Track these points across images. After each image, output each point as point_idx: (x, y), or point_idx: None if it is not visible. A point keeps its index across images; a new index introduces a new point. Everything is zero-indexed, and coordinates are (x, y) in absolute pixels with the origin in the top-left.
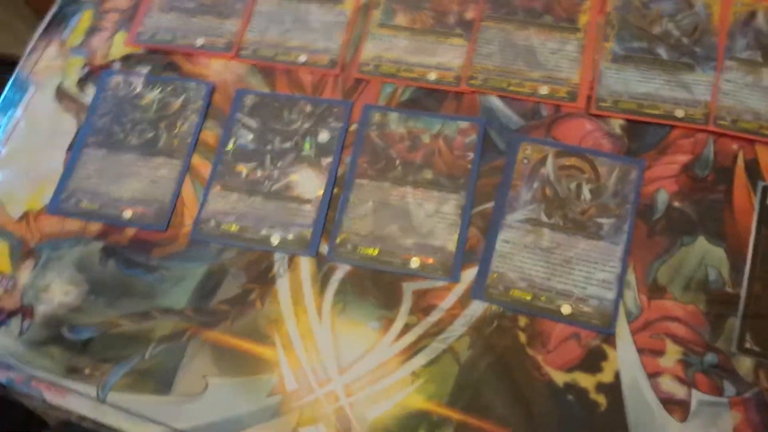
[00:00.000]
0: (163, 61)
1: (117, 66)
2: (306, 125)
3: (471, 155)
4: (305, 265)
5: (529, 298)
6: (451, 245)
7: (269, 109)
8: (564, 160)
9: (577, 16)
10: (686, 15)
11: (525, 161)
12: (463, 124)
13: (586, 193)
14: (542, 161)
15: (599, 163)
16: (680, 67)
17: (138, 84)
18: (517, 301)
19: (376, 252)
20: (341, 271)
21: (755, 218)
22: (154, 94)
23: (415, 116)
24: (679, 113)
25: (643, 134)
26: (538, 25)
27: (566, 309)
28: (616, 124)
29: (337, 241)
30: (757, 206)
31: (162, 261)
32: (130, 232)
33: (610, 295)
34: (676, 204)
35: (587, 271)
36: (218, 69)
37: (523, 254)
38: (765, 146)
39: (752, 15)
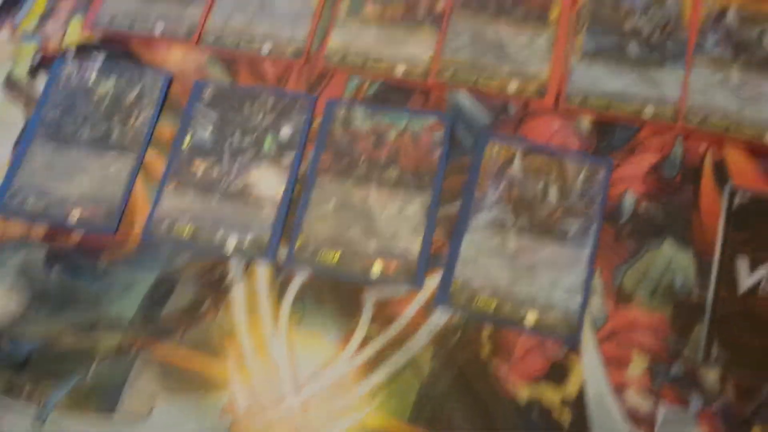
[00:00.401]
0: (121, 48)
1: (71, 54)
2: (268, 119)
3: (438, 152)
4: (262, 271)
5: (493, 306)
6: (415, 249)
7: (230, 102)
8: (531, 159)
9: (549, 10)
10: (658, 10)
11: (492, 160)
12: (430, 120)
13: (553, 194)
14: (509, 160)
15: (567, 163)
16: (650, 63)
17: (92, 73)
18: (481, 309)
19: (337, 256)
20: (300, 277)
21: (722, 221)
22: (108, 85)
23: (381, 112)
24: (649, 111)
25: (612, 132)
26: (510, 18)
27: (531, 317)
28: (586, 121)
29: (297, 244)
30: (724, 208)
31: (110, 267)
32: (78, 234)
33: (576, 302)
34: (643, 206)
35: (553, 277)
36: (178, 58)
37: (487, 259)
38: (733, 146)
39: (723, 12)
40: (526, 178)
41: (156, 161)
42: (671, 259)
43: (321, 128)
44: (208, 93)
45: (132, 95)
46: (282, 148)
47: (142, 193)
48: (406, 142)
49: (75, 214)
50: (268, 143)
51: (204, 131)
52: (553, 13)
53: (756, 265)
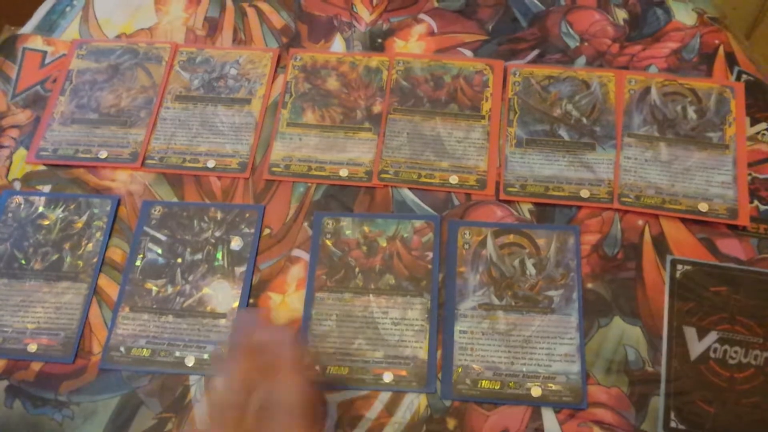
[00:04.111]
0: (66, 176)
1: (17, 186)
2: (217, 233)
3: (430, 255)
4: None
5: (497, 387)
6: (422, 353)
7: (178, 219)
8: (503, 239)
9: (481, 104)
10: (584, 96)
11: (466, 246)
12: (419, 223)
13: (530, 268)
14: (482, 243)
15: (536, 236)
16: (582, 147)
17: (39, 203)
18: (486, 392)
19: (346, 371)
20: None
21: (667, 292)
22: (56, 213)
23: (369, 219)
24: (585, 193)
25: (551, 217)
26: (444, 115)
27: (536, 391)
28: (525, 208)
29: None
30: (667, 280)
31: (71, 396)
32: (36, 366)
33: (575, 368)
34: (590, 285)
35: (548, 348)
36: (124, 180)
37: (482, 342)
38: (669, 219)
39: (646, 91)
40: (502, 258)
41: (109, 286)
42: (622, 334)
43: (312, 242)
44: (156, 212)
45: (81, 222)
46: (233, 259)
47: (97, 319)
48: (398, 247)
49: (32, 347)
50: (220, 256)
51: (154, 251)
52: (485, 107)
53: (703, 332)
